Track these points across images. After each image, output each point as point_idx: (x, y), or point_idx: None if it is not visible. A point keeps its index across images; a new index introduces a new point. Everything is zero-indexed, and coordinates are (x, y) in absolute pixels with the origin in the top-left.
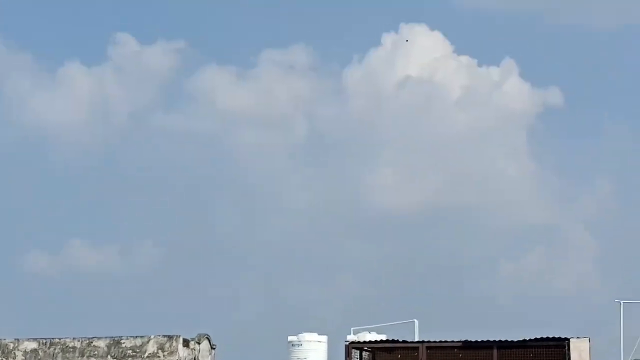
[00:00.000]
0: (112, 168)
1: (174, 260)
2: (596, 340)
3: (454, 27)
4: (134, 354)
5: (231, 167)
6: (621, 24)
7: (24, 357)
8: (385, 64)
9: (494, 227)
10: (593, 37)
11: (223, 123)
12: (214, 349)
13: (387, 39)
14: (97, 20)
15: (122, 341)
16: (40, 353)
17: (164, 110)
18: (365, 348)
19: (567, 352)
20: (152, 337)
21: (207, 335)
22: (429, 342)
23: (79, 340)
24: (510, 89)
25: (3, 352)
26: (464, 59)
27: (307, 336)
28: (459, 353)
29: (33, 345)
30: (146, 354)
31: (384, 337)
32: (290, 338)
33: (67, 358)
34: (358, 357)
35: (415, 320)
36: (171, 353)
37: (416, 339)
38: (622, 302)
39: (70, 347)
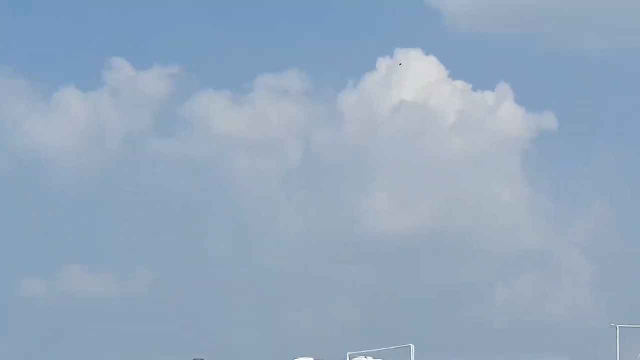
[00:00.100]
0: (107, 193)
1: (169, 285)
2: None
3: (448, 52)
4: None
5: (226, 192)
6: (614, 48)
7: None
8: (380, 88)
9: (489, 252)
10: (587, 63)
11: (218, 148)
12: None
13: (382, 63)
14: (93, 45)
15: None
16: None
17: (159, 135)
18: None
19: None
20: None
21: None
22: None
23: None
24: (505, 113)
25: None
26: (459, 83)
27: None
28: None
29: None
30: None
31: None
32: None
33: None
34: None
35: (412, 345)
36: None
37: None
38: (618, 326)
39: None
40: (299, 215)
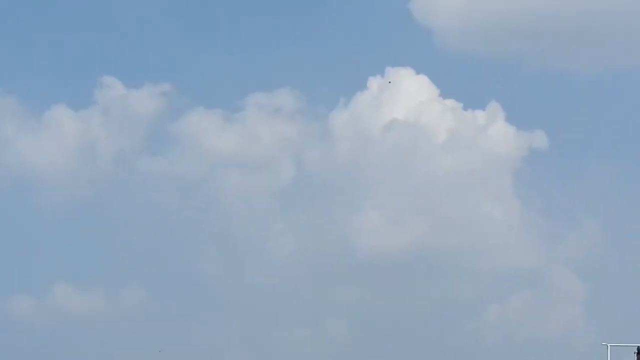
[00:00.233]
0: (97, 211)
1: (159, 303)
2: None
3: (439, 71)
4: None
5: (217, 211)
6: (604, 67)
7: None
8: (372, 107)
9: (481, 270)
10: (577, 82)
11: (209, 166)
12: None
13: (373, 82)
14: (84, 63)
15: None
16: None
17: (150, 153)
18: None
19: None
20: None
21: None
22: None
23: None
24: (496, 132)
25: None
26: (450, 102)
27: None
28: None
29: None
30: None
31: None
32: None
33: None
34: None
35: None
36: None
37: None
38: (609, 345)
39: None
40: (291, 233)
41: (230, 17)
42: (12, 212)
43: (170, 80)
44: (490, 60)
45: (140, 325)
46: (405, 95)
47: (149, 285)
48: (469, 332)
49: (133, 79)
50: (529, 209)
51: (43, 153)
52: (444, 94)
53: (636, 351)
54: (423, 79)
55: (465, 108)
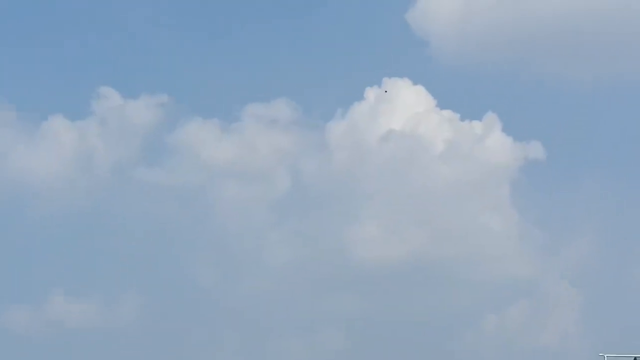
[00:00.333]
0: (95, 221)
1: (156, 312)
2: None
3: (436, 82)
4: None
5: (214, 220)
6: (600, 78)
7: None
8: (369, 118)
9: (478, 281)
10: (573, 92)
11: (206, 176)
12: None
13: (370, 93)
14: (81, 74)
15: None
16: None
17: (147, 163)
18: None
19: None
20: None
21: None
22: None
23: None
24: (493, 143)
25: None
26: (447, 113)
27: None
28: None
29: None
30: None
31: None
32: None
33: None
34: None
35: None
36: None
37: None
38: (605, 356)
39: None
40: (287, 243)
41: (227, 28)
42: (10, 221)
43: (167, 91)
44: (486, 71)
45: (137, 334)
46: (403, 106)
47: (145, 295)
48: (467, 342)
49: (130, 89)
50: (526, 219)
51: (40, 163)
52: (441, 105)
53: None
54: (420, 90)
55: (462, 119)
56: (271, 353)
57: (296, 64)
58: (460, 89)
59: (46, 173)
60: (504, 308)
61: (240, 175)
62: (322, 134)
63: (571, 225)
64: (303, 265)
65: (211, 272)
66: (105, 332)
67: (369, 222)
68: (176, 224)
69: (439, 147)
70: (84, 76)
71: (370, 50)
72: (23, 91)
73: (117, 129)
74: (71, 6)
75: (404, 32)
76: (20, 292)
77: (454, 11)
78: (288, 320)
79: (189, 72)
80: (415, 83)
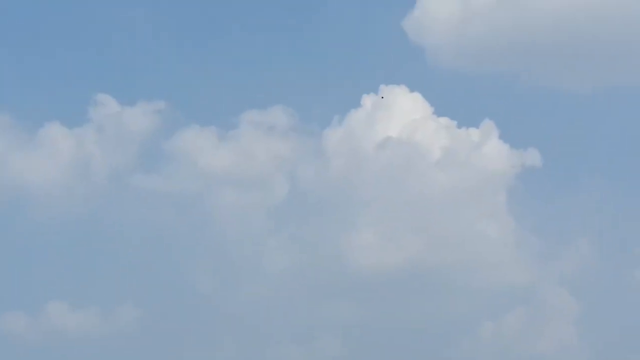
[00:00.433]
0: (92, 229)
1: (154, 321)
2: None
3: (433, 89)
4: None
5: (212, 228)
6: (597, 85)
7: None
8: (365, 125)
9: (475, 288)
10: (570, 99)
11: (203, 184)
12: None
13: (367, 100)
14: (78, 81)
15: None
16: None
17: (144, 170)
18: None
19: None
20: None
21: None
22: None
23: None
24: (490, 150)
25: None
26: (444, 120)
27: None
28: None
29: None
30: None
31: None
32: None
33: None
34: None
35: None
36: None
37: None
38: None
39: None
40: (285, 250)
41: (224, 35)
42: (6, 229)
43: (164, 98)
44: (484, 78)
45: (136, 342)
46: (399, 113)
47: (144, 302)
48: (463, 349)
49: (127, 96)
50: (523, 226)
51: (37, 171)
52: (438, 112)
53: None
54: (417, 97)
55: (459, 126)
56: (270, 359)
57: (293, 71)
58: (457, 97)
59: (43, 180)
60: (500, 315)
61: (238, 182)
62: (319, 141)
63: (568, 233)
64: (301, 272)
65: (209, 279)
66: (103, 339)
67: (366, 229)
68: (174, 231)
69: (435, 154)
70: (81, 83)
71: (366, 58)
72: (19, 98)
73: (114, 136)
74: (68, 13)
75: (401, 40)
76: (17, 298)
77: (451, 19)
78: (286, 327)
79: (186, 79)
80: (412, 90)
